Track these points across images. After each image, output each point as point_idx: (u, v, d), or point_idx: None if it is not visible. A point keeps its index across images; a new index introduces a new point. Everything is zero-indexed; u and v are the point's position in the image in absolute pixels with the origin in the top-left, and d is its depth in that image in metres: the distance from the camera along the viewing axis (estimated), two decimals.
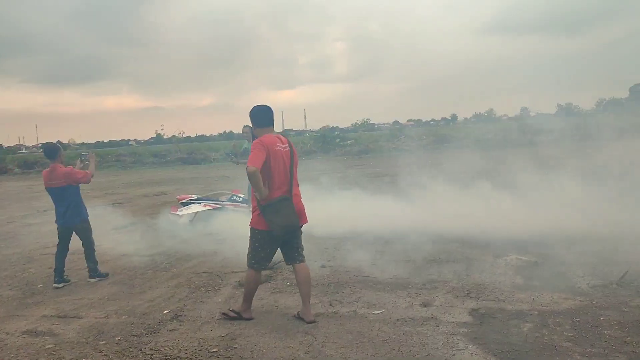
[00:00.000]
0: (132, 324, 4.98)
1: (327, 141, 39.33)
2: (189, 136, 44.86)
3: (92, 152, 7.01)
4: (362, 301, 5.26)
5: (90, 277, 6.60)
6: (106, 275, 6.67)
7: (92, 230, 6.79)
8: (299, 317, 4.85)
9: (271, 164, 4.59)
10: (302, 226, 4.93)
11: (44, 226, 11.49)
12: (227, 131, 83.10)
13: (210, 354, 4.18)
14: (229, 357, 4.11)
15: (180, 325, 4.87)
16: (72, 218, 6.52)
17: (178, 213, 10.04)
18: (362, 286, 5.74)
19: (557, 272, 5.83)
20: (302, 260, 4.90)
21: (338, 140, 40.28)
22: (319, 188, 11.48)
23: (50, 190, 6.49)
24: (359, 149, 35.85)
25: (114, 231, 10.24)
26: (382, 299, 5.29)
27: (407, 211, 9.16)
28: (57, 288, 6.42)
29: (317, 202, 9.96)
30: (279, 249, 4.93)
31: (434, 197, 9.75)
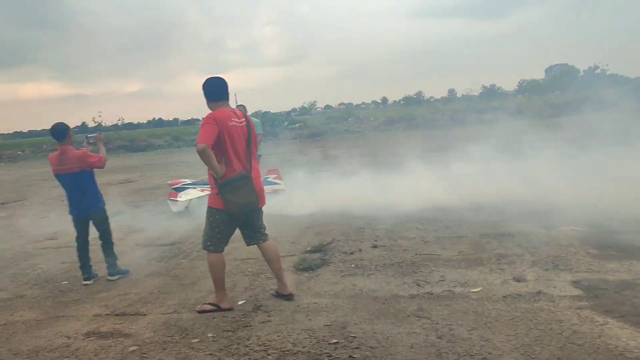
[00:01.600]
0: (214, 318, 4.45)
1: (275, 125, 38.71)
2: (117, 124, 42.70)
3: (99, 133, 6.24)
4: (449, 279, 4.97)
5: (110, 274, 5.88)
6: (127, 272, 5.99)
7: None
8: (277, 295, 4.79)
9: (226, 140, 4.27)
10: (261, 207, 4.68)
11: (13, 219, 10.52)
12: (156, 118, 79.92)
13: (332, 346, 3.75)
14: (357, 348, 3.70)
15: (269, 316, 4.39)
16: (89, 207, 5.82)
17: (178, 199, 9.37)
18: (434, 264, 5.45)
19: (626, 240, 5.75)
20: (266, 239, 4.71)
21: (286, 123, 39.75)
22: (321, 171, 11.13)
23: (62, 178, 5.71)
24: (309, 131, 35.47)
25: None
26: (466, 276, 5.02)
27: (423, 188, 8.94)
28: (87, 285, 5.73)
29: (336, 185, 9.62)
30: (238, 230, 4.69)
31: (443, 174, 9.63)
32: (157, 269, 6.08)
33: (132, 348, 3.98)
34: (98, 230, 5.91)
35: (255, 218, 4.64)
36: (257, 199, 4.48)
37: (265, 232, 4.76)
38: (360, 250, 6.16)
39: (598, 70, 75.48)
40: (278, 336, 3.98)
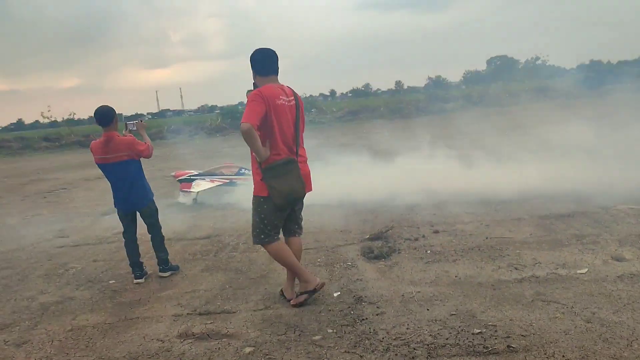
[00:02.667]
0: (320, 312, 4.07)
1: (237, 117, 37.88)
2: (55, 120, 40.77)
3: (141, 120, 5.64)
4: (543, 262, 4.76)
5: (162, 270, 5.37)
6: (177, 268, 5.50)
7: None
8: (282, 295, 4.43)
9: (273, 120, 3.84)
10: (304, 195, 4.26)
11: (5, 218, 9.69)
12: None
13: (478, 336, 3.45)
14: (507, 337, 3.42)
15: (378, 308, 4.05)
16: (138, 200, 5.28)
17: (191, 190, 8.84)
18: (513, 247, 5.24)
19: None
20: (300, 234, 4.42)
21: None
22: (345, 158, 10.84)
23: (108, 167, 5.13)
24: None
25: (108, 218, 8.81)
26: (559, 258, 4.82)
27: (455, 174, 8.73)
28: (139, 284, 5.21)
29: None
30: None
31: (464, 160, 9.48)
32: (211, 264, 5.61)
33: (248, 349, 3.56)
34: (147, 223, 5.38)
35: (298, 208, 4.30)
36: (303, 188, 4.04)
37: (302, 224, 4.45)
38: (423, 236, 5.89)
39: (539, 61, 78.37)
40: (407, 329, 3.64)
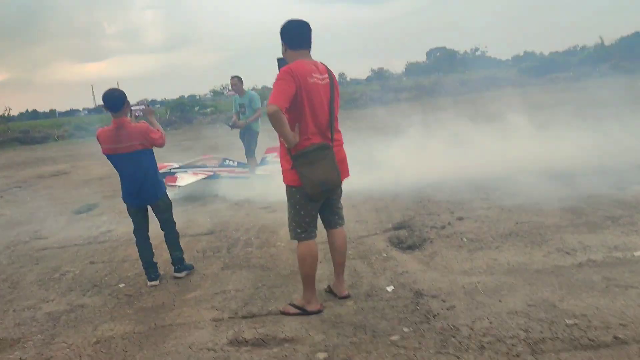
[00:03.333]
0: (383, 309, 3.70)
1: (186, 110, 36.87)
2: (3, 115, 38.52)
3: (148, 105, 5.08)
4: (593, 245, 4.57)
5: (177, 270, 4.86)
6: (192, 267, 5.01)
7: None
8: (329, 291, 4.03)
9: (304, 101, 3.41)
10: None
11: None
12: (29, 110, 72.76)
13: (574, 328, 3.18)
14: (607, 328, 3.16)
15: (444, 301, 3.73)
16: (152, 194, 4.73)
17: (177, 184, 8.25)
18: (551, 231, 5.05)
19: None
20: (342, 224, 3.93)
21: (197, 108, 37.95)
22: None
23: (118, 158, 4.55)
24: (225, 116, 34.02)
25: (85, 216, 8.14)
26: (605, 241, 4.65)
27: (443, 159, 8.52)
28: (154, 286, 4.69)
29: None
30: None
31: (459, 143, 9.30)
32: (228, 261, 5.14)
33: (321, 355, 3.16)
34: (160, 219, 4.85)
35: (336, 197, 3.87)
36: (339, 175, 3.59)
37: (342, 213, 3.98)
38: (449, 223, 5.61)
39: (478, 52, 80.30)
40: (490, 323, 3.33)
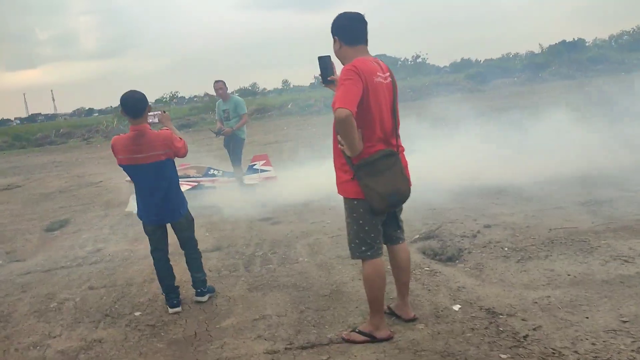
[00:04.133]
0: (463, 332, 3.33)
1: None
2: None
3: (163, 111, 4.48)
4: None
5: (200, 294, 4.31)
6: (214, 289, 4.49)
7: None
8: (391, 313, 3.62)
9: (370, 103, 3.00)
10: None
11: None
12: None
13: None
14: None
15: (524, 321, 3.40)
16: (174, 210, 4.17)
17: None
18: (592, 238, 4.83)
19: None
20: (404, 240, 3.54)
21: None
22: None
23: (138, 170, 3.98)
24: (176, 124, 32.99)
25: (59, 234, 7.42)
26: None
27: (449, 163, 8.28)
28: (177, 313, 4.15)
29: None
30: None
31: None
32: (252, 281, 4.65)
33: None
34: (181, 237, 4.31)
35: (399, 209, 3.47)
36: (408, 186, 3.23)
37: (403, 226, 3.56)
38: (478, 232, 5.32)
39: (419, 59, 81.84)
40: (593, 344, 3.02)
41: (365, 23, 3.19)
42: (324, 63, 3.34)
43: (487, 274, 4.24)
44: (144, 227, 4.21)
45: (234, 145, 8.54)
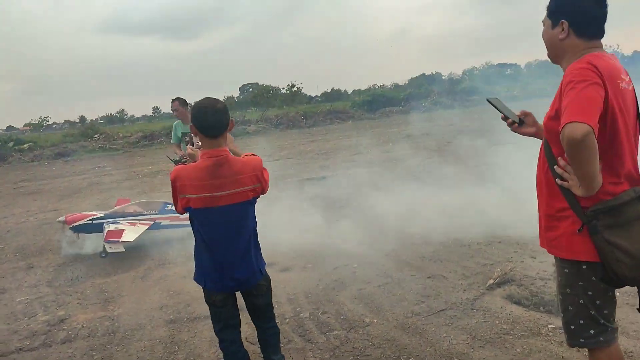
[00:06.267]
0: None
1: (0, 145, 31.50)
2: None
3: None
4: None
5: None
6: None
7: None
8: None
9: (617, 119, 2.08)
10: None
11: None
12: None
13: None
14: None
15: None
16: (254, 270, 2.88)
17: (123, 240, 6.13)
18: None
19: None
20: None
21: (11, 144, 32.60)
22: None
23: (214, 215, 2.69)
24: (51, 152, 29.67)
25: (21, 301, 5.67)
26: None
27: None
28: None
29: None
30: None
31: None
32: (329, 357, 3.50)
33: None
34: (258, 306, 3.01)
35: None
36: None
37: None
38: (551, 275, 4.60)
39: (295, 88, 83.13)
40: None
41: (605, 5, 2.26)
42: (497, 105, 2.44)
43: (626, 327, 3.47)
44: (208, 297, 2.90)
45: None
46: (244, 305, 2.99)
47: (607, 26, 2.23)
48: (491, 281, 4.49)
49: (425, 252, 5.54)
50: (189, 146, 2.97)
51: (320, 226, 6.74)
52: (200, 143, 2.82)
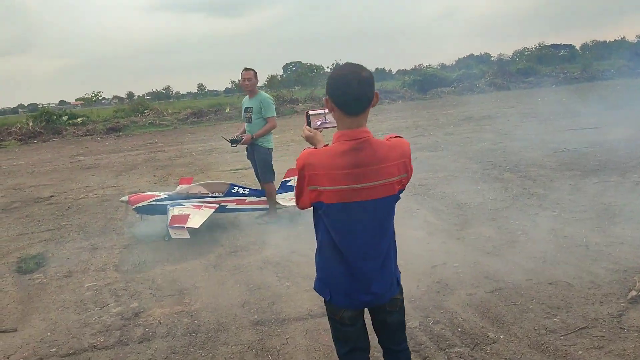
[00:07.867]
0: None
1: (53, 120, 31.86)
2: None
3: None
4: None
5: None
6: None
7: None
8: None
9: None
10: None
11: None
12: None
13: None
14: None
15: None
16: (392, 282, 2.30)
17: (187, 225, 5.66)
18: None
19: None
20: None
21: (66, 118, 32.98)
22: None
23: (352, 212, 2.10)
24: (103, 127, 29.83)
25: (43, 278, 5.28)
26: None
27: None
28: None
29: None
30: None
31: None
32: None
33: None
34: (391, 324, 2.41)
35: None
36: None
37: None
38: None
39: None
40: None
41: None
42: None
43: None
44: (332, 312, 2.34)
45: (258, 158, 6.65)
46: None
47: None
48: (633, 293, 3.79)
49: (533, 250, 4.86)
50: (305, 126, 2.37)
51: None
52: (332, 121, 2.23)
